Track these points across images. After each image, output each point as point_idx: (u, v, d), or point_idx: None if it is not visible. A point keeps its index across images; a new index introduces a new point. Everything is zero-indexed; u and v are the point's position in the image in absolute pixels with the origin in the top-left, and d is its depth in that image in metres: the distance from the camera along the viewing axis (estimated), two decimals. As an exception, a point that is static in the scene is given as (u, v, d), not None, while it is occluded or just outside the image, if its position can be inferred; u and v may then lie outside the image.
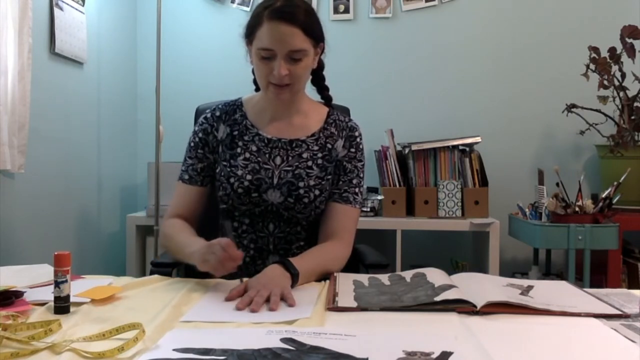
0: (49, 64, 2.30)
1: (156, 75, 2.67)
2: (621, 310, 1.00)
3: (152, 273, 1.38)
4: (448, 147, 2.67)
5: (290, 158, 1.42)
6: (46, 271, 1.25)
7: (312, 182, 1.40)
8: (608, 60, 2.50)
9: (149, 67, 2.91)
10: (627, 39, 2.46)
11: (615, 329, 0.91)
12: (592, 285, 2.19)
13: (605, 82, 2.51)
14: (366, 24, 3.00)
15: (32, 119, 2.06)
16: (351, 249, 1.44)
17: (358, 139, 1.51)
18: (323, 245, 1.41)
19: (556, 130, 2.92)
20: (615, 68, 2.50)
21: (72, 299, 0.98)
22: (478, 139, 2.69)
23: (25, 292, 1.06)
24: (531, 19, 2.95)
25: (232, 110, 1.48)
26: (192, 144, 1.48)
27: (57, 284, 0.95)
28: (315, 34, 1.38)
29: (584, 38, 2.68)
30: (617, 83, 2.51)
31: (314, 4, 2.97)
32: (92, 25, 2.62)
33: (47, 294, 1.03)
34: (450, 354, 0.77)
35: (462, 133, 2.78)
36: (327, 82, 1.60)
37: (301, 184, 1.39)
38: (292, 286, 1.19)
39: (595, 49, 2.52)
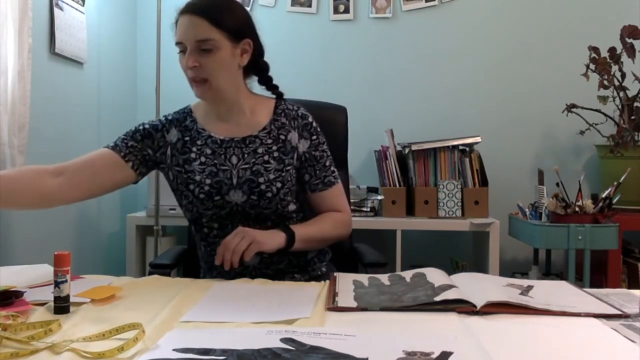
0: (49, 64, 2.30)
1: (156, 75, 2.67)
2: (621, 310, 1.00)
3: (150, 274, 1.38)
4: (448, 147, 2.67)
5: (246, 155, 1.41)
6: (46, 271, 1.25)
7: (272, 176, 1.38)
8: (608, 60, 2.50)
9: (149, 67, 2.91)
10: (627, 39, 2.46)
11: (615, 329, 0.91)
12: (592, 285, 2.19)
13: (605, 82, 2.51)
14: (366, 24, 3.00)
15: (32, 119, 2.06)
16: (351, 215, 1.53)
17: (313, 124, 1.48)
18: (323, 214, 1.47)
19: (556, 130, 2.92)
20: (615, 68, 2.50)
21: (72, 299, 0.98)
22: (478, 139, 2.69)
23: (25, 292, 1.06)
24: (531, 19, 2.95)
25: (182, 118, 1.49)
26: (133, 129, 1.45)
27: (57, 284, 0.95)
28: (229, 27, 1.35)
29: (584, 38, 2.68)
30: (617, 83, 2.51)
31: (314, 4, 2.97)
32: (92, 25, 2.62)
33: (47, 294, 1.03)
34: (450, 354, 0.77)
35: (462, 133, 2.78)
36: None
37: (261, 180, 1.38)
38: (289, 248, 1.33)
39: (595, 49, 2.52)
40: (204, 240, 1.44)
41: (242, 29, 1.39)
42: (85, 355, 0.76)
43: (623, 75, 2.50)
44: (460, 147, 2.70)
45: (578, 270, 2.36)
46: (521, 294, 1.08)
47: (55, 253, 0.97)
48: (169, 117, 1.49)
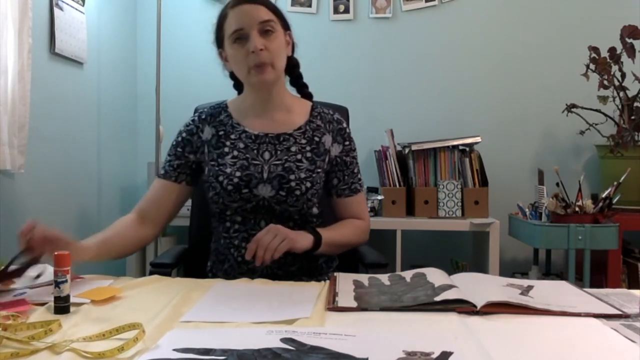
0: (49, 64, 2.30)
1: (156, 75, 2.67)
2: (621, 310, 1.00)
3: (151, 274, 1.38)
4: (448, 147, 2.67)
5: (278, 152, 1.43)
6: (46, 271, 1.25)
7: (302, 175, 1.40)
8: (608, 60, 2.50)
9: (149, 67, 2.91)
10: (627, 39, 2.46)
11: (615, 329, 0.90)
12: (592, 285, 2.19)
13: (605, 82, 2.51)
14: (366, 24, 3.00)
15: (32, 119, 2.06)
16: (370, 223, 1.56)
17: (347, 130, 1.52)
18: (345, 220, 1.50)
19: (556, 130, 2.92)
20: (615, 68, 2.50)
21: (72, 300, 0.98)
22: (478, 139, 2.69)
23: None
24: (531, 19, 2.95)
25: (217, 113, 1.50)
26: (174, 143, 1.50)
27: (57, 284, 0.95)
28: (281, 16, 1.44)
29: (584, 38, 2.68)
30: (617, 83, 2.51)
31: (314, 4, 2.97)
32: (92, 25, 2.62)
33: (47, 294, 1.03)
34: (450, 354, 0.77)
35: (462, 133, 2.78)
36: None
37: (292, 177, 1.39)
38: (314, 250, 1.35)
39: (595, 49, 2.52)
40: (226, 232, 1.45)
41: (287, 21, 1.47)
42: (85, 355, 0.76)
43: (623, 75, 2.50)
44: (460, 147, 2.70)
45: (578, 270, 2.36)
46: (521, 294, 1.08)
47: (55, 253, 0.97)
48: (202, 116, 1.50)
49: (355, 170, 1.52)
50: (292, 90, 1.58)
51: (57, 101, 2.35)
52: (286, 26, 1.46)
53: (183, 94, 2.98)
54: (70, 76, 2.47)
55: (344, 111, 1.80)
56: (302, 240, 1.33)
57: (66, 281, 0.96)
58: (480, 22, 2.97)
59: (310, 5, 2.98)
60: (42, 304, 1.00)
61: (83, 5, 2.51)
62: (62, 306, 0.96)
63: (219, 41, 1.46)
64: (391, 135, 2.72)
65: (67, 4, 2.37)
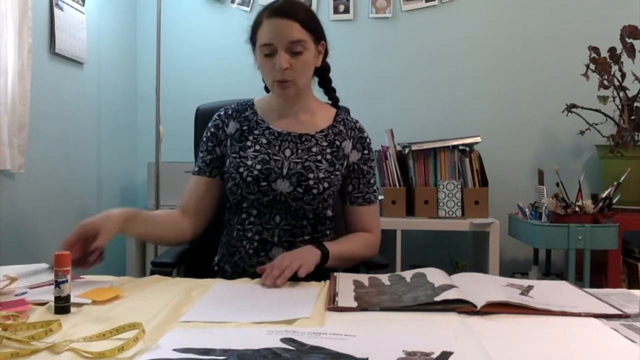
0: (49, 64, 2.30)
1: (156, 75, 2.67)
2: (621, 310, 1.00)
3: (152, 273, 1.39)
4: (448, 147, 2.67)
5: (299, 151, 1.45)
6: (46, 271, 1.25)
7: (321, 175, 1.42)
8: (608, 60, 2.50)
9: (149, 67, 2.91)
10: (627, 39, 2.46)
11: (615, 329, 0.91)
12: (592, 285, 2.19)
13: (605, 82, 2.51)
14: (366, 24, 3.00)
15: (32, 119, 2.06)
16: (380, 237, 1.54)
17: (368, 140, 1.55)
18: (354, 233, 1.51)
19: (556, 130, 2.92)
20: (615, 68, 2.50)
21: (73, 300, 0.98)
22: (478, 139, 2.69)
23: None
24: (531, 19, 2.95)
25: (243, 109, 1.54)
26: (204, 139, 1.53)
27: (57, 284, 0.95)
28: (315, 30, 1.43)
29: (584, 38, 2.68)
30: (617, 83, 2.51)
31: (314, 4, 2.97)
32: (92, 25, 2.62)
33: (47, 294, 1.03)
34: (450, 354, 0.77)
35: (462, 133, 2.78)
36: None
37: (311, 175, 1.41)
38: (322, 265, 1.33)
39: (595, 49, 2.52)
40: (241, 224, 1.46)
41: (322, 32, 1.47)
42: (85, 355, 0.76)
43: (623, 75, 2.50)
44: (460, 147, 2.70)
45: (578, 270, 2.36)
46: (521, 294, 1.08)
47: (56, 253, 0.97)
48: (229, 111, 1.53)
49: (372, 181, 1.53)
50: (320, 92, 1.59)
51: (57, 101, 2.36)
52: (320, 37, 1.46)
53: (183, 94, 2.99)
54: (70, 76, 2.47)
55: (347, 112, 1.80)
56: (313, 259, 1.31)
57: (66, 281, 0.96)
58: (480, 22, 2.97)
59: (310, 6, 2.98)
60: (42, 304, 1.00)
61: (83, 5, 2.51)
62: (63, 306, 0.96)
63: (252, 38, 1.46)
64: (391, 135, 2.72)
65: (67, 4, 2.38)
